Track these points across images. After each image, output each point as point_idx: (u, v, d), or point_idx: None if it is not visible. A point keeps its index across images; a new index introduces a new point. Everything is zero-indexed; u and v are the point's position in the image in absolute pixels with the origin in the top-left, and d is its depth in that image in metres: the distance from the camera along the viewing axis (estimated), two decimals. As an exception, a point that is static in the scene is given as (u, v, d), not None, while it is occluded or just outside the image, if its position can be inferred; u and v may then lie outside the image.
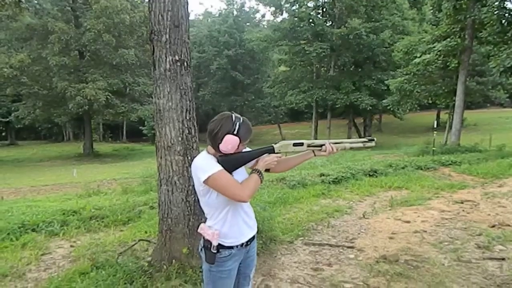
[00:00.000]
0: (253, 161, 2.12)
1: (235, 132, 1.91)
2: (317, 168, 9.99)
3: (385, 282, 3.38)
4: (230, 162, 1.97)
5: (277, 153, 2.13)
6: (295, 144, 2.16)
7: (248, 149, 2.13)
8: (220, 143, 1.90)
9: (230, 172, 1.97)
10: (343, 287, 3.35)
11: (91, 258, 3.88)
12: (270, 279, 3.54)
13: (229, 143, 1.89)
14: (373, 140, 2.30)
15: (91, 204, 6.17)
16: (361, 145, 2.30)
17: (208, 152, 2.03)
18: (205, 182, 1.90)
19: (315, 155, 2.21)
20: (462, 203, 6.45)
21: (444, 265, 3.78)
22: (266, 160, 2.07)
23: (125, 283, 3.26)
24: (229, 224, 2.01)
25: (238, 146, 1.94)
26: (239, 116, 1.97)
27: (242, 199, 1.93)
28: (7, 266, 3.86)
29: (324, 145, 2.18)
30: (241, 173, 2.07)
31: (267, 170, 2.11)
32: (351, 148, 2.31)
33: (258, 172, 2.01)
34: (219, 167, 1.91)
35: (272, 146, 2.14)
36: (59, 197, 8.57)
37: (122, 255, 3.93)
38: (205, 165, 1.93)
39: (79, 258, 4.10)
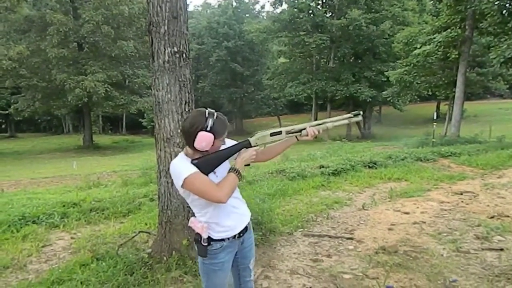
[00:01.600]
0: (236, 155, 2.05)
1: (208, 129, 1.84)
2: (317, 160, 10.00)
3: (384, 273, 3.40)
4: (205, 163, 1.91)
5: (254, 146, 2.06)
6: (272, 134, 2.08)
7: (229, 142, 2.06)
8: (194, 140, 1.85)
9: (207, 173, 1.91)
10: (342, 278, 3.37)
11: (92, 250, 3.90)
12: (269, 270, 3.56)
13: (203, 140, 1.83)
14: (359, 114, 2.20)
15: (91, 196, 6.19)
16: (346, 121, 2.21)
17: (186, 153, 1.98)
18: (182, 185, 1.86)
19: (297, 140, 2.15)
20: (461, 194, 6.47)
21: (443, 255, 3.80)
22: (244, 156, 2.01)
23: (125, 275, 3.27)
24: (216, 219, 1.99)
25: (213, 142, 1.88)
26: (212, 111, 1.90)
27: (219, 200, 1.87)
28: (8, 258, 3.88)
29: (304, 129, 2.11)
30: (224, 169, 2.01)
31: (247, 165, 2.05)
32: (335, 127, 2.20)
33: (235, 170, 1.96)
34: (193, 170, 1.85)
35: (248, 140, 2.06)
36: (59, 189, 8.59)
37: (123, 246, 3.95)
38: (179, 168, 1.88)
39: (80, 249, 4.12)
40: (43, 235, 4.63)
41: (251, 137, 2.08)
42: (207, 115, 1.86)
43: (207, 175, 1.91)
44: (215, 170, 1.97)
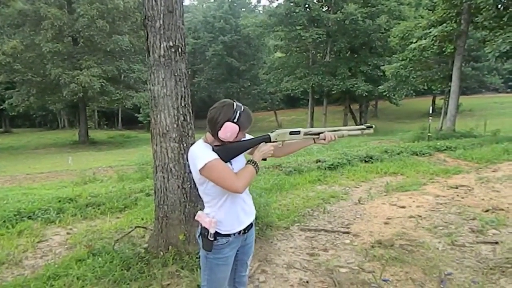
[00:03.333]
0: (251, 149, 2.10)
1: (235, 120, 1.88)
2: (313, 155, 10.01)
3: (380, 267, 3.42)
4: (225, 152, 1.95)
5: (273, 141, 2.12)
6: (291, 133, 2.15)
7: (248, 136, 2.12)
8: (220, 130, 1.88)
9: (226, 161, 1.95)
10: (338, 271, 3.38)
11: (88, 245, 3.89)
12: (266, 264, 3.57)
13: (228, 130, 1.87)
14: (371, 127, 2.29)
15: (87, 192, 6.18)
16: (359, 132, 2.29)
17: (205, 141, 2.01)
18: (200, 171, 1.88)
19: (314, 142, 2.21)
20: (456, 188, 6.50)
21: (438, 249, 3.82)
22: (263, 150, 2.06)
23: (122, 270, 3.27)
24: (226, 212, 2.01)
25: (238, 134, 1.92)
26: (240, 104, 1.95)
27: (236, 190, 1.91)
28: (3, 254, 3.86)
29: (322, 133, 2.18)
30: (239, 162, 2.06)
31: (264, 159, 2.09)
32: (349, 135, 2.30)
33: (253, 163, 1.99)
34: (214, 156, 1.88)
35: (269, 135, 2.12)
36: (55, 184, 8.57)
37: (119, 242, 3.95)
38: (200, 153, 1.91)
39: (76, 245, 4.11)
40: (38, 231, 4.62)
41: (271, 132, 2.14)
42: (235, 107, 1.91)
43: (226, 163, 1.94)
44: (232, 160, 2.01)
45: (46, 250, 4.10)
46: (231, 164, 2.00)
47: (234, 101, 1.96)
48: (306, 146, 2.28)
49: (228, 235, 2.03)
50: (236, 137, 1.93)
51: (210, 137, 1.99)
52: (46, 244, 4.29)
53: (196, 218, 2.07)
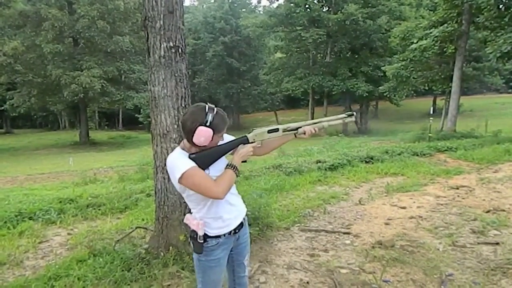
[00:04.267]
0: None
1: (207, 124, 1.82)
2: (314, 155, 10.01)
3: (381, 267, 3.42)
4: (202, 159, 1.90)
5: (251, 142, 2.07)
6: (269, 131, 2.10)
7: (227, 138, 2.08)
8: (193, 135, 1.83)
9: (204, 168, 1.90)
10: (339, 272, 3.38)
11: (89, 246, 3.89)
12: (266, 265, 3.57)
13: (202, 135, 1.82)
14: (353, 114, 2.26)
15: (88, 192, 6.18)
16: (340, 121, 2.26)
17: (183, 148, 1.97)
18: (179, 180, 1.85)
19: (296, 137, 2.18)
20: (457, 188, 6.49)
21: (439, 250, 3.82)
22: (241, 152, 2.02)
23: (122, 270, 3.27)
24: (213, 215, 1.99)
25: (212, 137, 1.86)
26: (212, 106, 1.89)
27: (216, 196, 1.88)
28: (4, 254, 3.87)
29: (300, 127, 2.15)
30: (219, 166, 2.00)
31: (244, 161, 2.05)
32: (330, 126, 2.26)
33: (232, 167, 1.96)
34: (191, 164, 1.84)
35: (246, 136, 2.07)
36: (55, 185, 8.58)
37: (120, 242, 3.95)
38: (177, 162, 1.87)
39: (77, 245, 4.11)
40: (39, 231, 4.62)
41: (248, 133, 2.09)
42: (206, 110, 1.85)
43: (204, 170, 1.90)
44: (210, 166, 1.96)
45: (47, 251, 4.10)
46: (209, 170, 1.95)
47: (206, 104, 1.90)
48: (286, 142, 2.24)
49: (218, 236, 2.01)
50: (212, 140, 1.88)
51: (186, 144, 1.95)
52: (47, 244, 4.30)
53: (184, 221, 2.05)
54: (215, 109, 1.89)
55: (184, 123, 1.87)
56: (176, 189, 1.98)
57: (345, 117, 2.26)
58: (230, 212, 2.05)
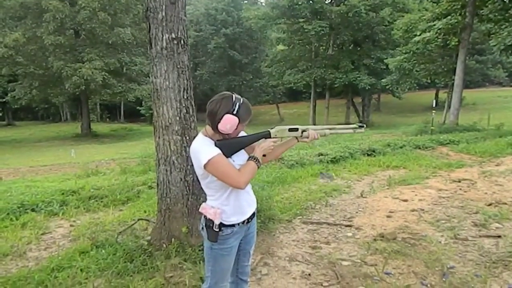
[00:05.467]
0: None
1: (234, 112, 1.88)
2: (315, 148, 9.99)
3: (383, 260, 3.42)
4: (228, 147, 1.96)
5: (273, 138, 2.13)
6: (290, 129, 2.17)
7: (244, 133, 2.13)
8: (219, 122, 1.88)
9: (228, 156, 1.96)
10: (341, 264, 3.39)
11: (91, 237, 3.91)
12: (268, 257, 3.58)
13: (228, 122, 1.87)
14: (363, 126, 2.31)
15: (90, 184, 6.19)
16: (351, 131, 2.32)
17: (205, 134, 2.01)
18: (205, 166, 1.89)
19: (298, 141, 2.22)
20: (459, 181, 6.48)
21: (441, 242, 3.82)
22: (263, 146, 2.07)
23: (125, 262, 3.29)
24: (232, 204, 2.03)
25: (237, 126, 1.92)
26: (239, 96, 1.95)
27: (238, 185, 1.93)
28: (7, 246, 3.89)
29: (316, 129, 2.21)
30: (241, 157, 2.07)
31: (264, 155, 2.10)
32: (337, 133, 2.36)
33: (255, 159, 2.01)
34: (217, 151, 1.90)
35: (269, 131, 2.13)
36: (58, 177, 8.58)
37: (122, 234, 3.96)
38: (203, 148, 1.92)
39: (79, 237, 4.13)
40: (42, 223, 4.64)
41: (271, 128, 2.15)
42: (234, 99, 1.91)
43: (228, 158, 1.96)
44: (233, 155, 2.02)
45: (50, 242, 4.12)
46: (233, 159, 2.01)
47: (233, 93, 1.96)
48: (290, 147, 2.30)
49: (233, 225, 2.05)
50: (236, 129, 1.94)
51: (210, 130, 1.99)
52: (49, 236, 4.32)
53: (200, 210, 2.08)
54: (242, 99, 1.95)
55: (212, 110, 1.92)
56: (198, 174, 2.02)
57: (356, 128, 2.31)
58: (246, 202, 2.12)
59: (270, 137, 2.12)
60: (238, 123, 1.91)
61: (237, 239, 2.12)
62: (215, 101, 1.93)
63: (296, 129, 2.17)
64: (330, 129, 2.26)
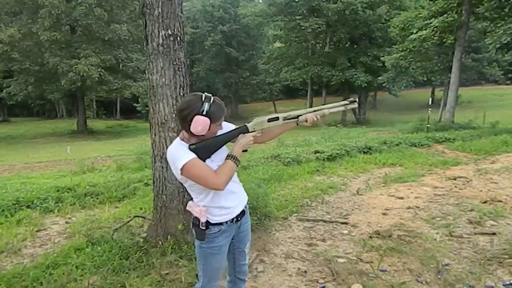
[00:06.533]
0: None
1: (204, 113, 1.80)
2: (312, 145, 10.01)
3: (378, 257, 3.44)
4: (203, 149, 1.89)
5: (252, 131, 2.05)
6: (270, 120, 2.07)
7: (227, 127, 2.05)
8: (190, 125, 1.81)
9: (205, 159, 1.89)
10: (336, 261, 3.40)
11: (87, 234, 3.90)
12: (264, 254, 3.58)
13: (199, 124, 1.80)
14: (355, 101, 2.25)
15: (86, 181, 6.17)
16: (342, 108, 2.25)
17: (182, 138, 1.95)
18: (181, 171, 1.84)
19: (297, 125, 2.16)
20: (454, 179, 6.51)
21: (436, 240, 3.84)
22: (241, 142, 1.99)
23: (120, 259, 3.28)
24: (215, 203, 1.99)
25: (210, 127, 1.84)
26: (209, 95, 1.86)
27: (216, 187, 1.88)
28: (2, 242, 3.88)
29: (301, 115, 2.13)
30: (220, 156, 1.98)
31: (244, 150, 2.03)
32: (331, 113, 2.24)
33: (232, 157, 1.94)
34: (191, 156, 1.83)
35: (246, 125, 2.05)
36: (53, 174, 8.56)
37: (118, 231, 3.95)
38: (178, 154, 1.86)
39: (75, 234, 4.12)
40: (37, 220, 4.63)
41: (248, 122, 2.06)
42: (203, 99, 1.83)
43: (204, 160, 1.89)
44: (212, 155, 1.95)
45: (45, 239, 4.11)
46: (211, 159, 1.94)
47: (203, 93, 1.88)
48: (288, 129, 2.22)
49: (221, 224, 2.01)
50: (209, 130, 1.85)
51: (185, 134, 1.93)
52: (45, 233, 4.31)
53: (187, 208, 2.05)
54: (212, 98, 1.86)
55: (180, 112, 1.86)
56: (178, 179, 1.97)
57: (347, 104, 2.24)
58: (232, 200, 2.06)
59: (248, 132, 2.04)
60: (210, 123, 1.84)
61: (227, 237, 2.08)
62: (183, 102, 1.88)
63: (277, 118, 2.08)
64: (316, 110, 2.17)
